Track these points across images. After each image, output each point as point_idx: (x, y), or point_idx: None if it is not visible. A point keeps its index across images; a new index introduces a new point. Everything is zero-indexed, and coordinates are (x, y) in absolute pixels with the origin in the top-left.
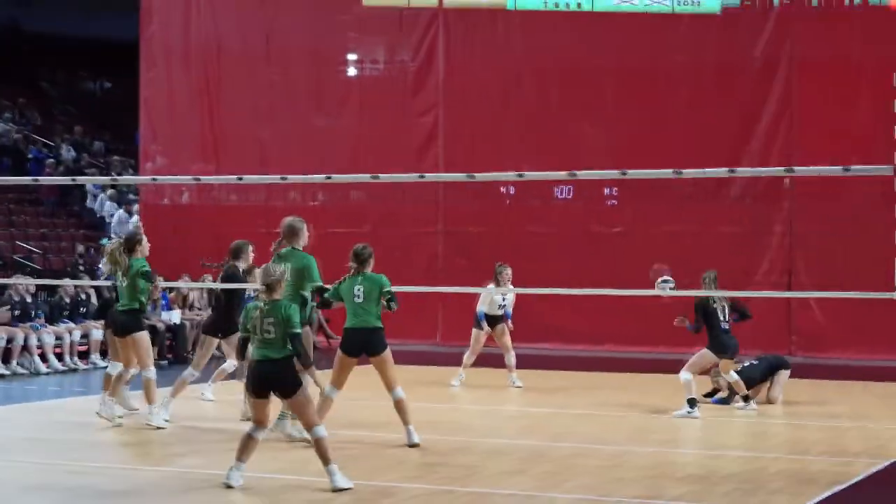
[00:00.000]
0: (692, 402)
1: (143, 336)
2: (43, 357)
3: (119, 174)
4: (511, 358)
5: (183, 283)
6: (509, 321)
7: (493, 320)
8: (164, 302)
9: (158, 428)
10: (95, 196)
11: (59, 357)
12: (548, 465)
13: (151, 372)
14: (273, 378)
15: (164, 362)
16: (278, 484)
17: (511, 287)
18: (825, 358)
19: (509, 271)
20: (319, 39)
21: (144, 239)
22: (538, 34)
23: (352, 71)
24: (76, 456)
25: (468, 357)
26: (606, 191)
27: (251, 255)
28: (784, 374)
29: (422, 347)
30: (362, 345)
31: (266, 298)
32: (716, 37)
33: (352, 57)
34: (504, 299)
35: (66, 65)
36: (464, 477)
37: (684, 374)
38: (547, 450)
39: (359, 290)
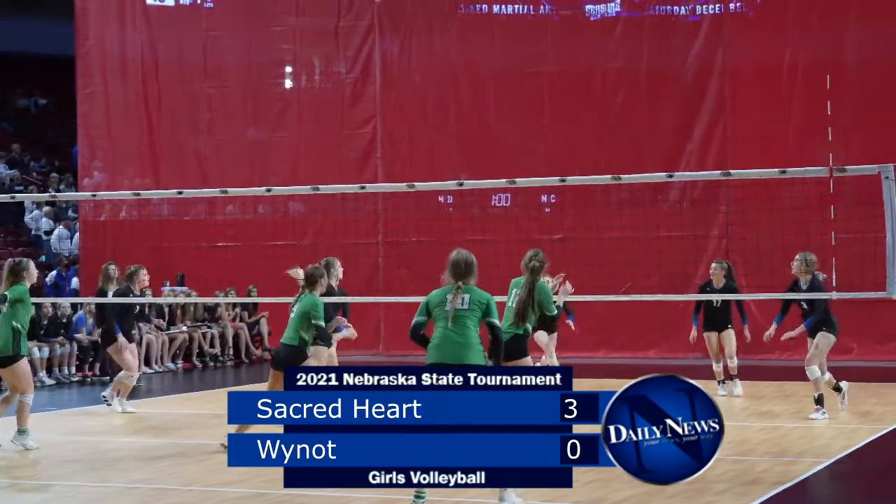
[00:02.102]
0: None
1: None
2: None
3: (58, 190)
4: None
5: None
6: None
7: None
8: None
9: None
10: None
11: None
12: None
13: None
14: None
15: (107, 377)
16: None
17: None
18: (765, 359)
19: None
20: (256, 52)
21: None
22: (474, 43)
23: (288, 83)
24: None
25: None
26: (544, 198)
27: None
28: None
29: (365, 357)
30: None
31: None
32: (650, 43)
33: (288, 69)
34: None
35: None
36: None
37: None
38: None
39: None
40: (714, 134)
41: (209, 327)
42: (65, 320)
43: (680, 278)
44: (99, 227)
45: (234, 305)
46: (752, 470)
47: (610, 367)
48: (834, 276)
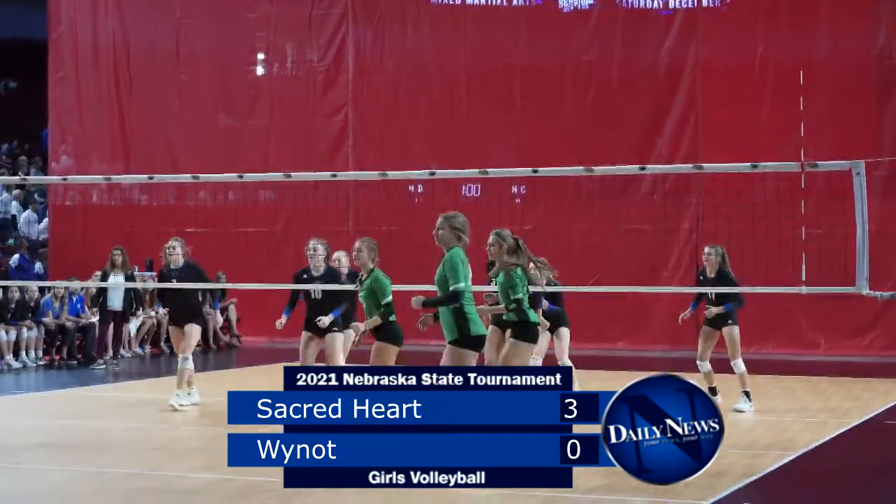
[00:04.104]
0: None
1: None
2: None
3: (27, 174)
4: None
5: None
6: None
7: None
8: (79, 302)
9: None
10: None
11: None
12: None
13: None
14: None
15: (74, 362)
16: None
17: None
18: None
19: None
20: (228, 39)
21: None
22: (447, 33)
23: (260, 70)
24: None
25: None
26: (514, 189)
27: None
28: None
29: None
30: None
31: None
32: (623, 36)
33: (261, 56)
34: None
35: None
36: None
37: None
38: None
39: None
40: (685, 127)
41: None
42: (32, 304)
43: (649, 270)
44: (68, 212)
45: (203, 291)
46: (718, 462)
47: (577, 359)
48: (804, 271)
